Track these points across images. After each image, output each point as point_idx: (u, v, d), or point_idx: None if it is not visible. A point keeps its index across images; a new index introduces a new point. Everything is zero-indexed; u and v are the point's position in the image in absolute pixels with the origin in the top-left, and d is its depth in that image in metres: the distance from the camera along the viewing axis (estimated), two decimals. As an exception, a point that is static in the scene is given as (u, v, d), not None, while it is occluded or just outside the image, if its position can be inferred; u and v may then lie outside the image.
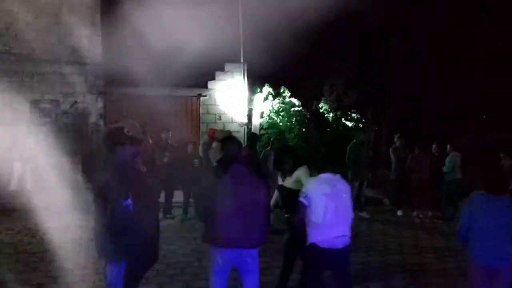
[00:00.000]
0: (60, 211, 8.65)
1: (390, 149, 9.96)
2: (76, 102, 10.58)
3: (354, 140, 9.45)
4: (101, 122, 10.76)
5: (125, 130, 3.71)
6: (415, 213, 9.31)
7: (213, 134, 9.12)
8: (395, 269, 6.04)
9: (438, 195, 9.46)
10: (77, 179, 9.82)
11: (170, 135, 8.78)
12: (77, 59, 10.58)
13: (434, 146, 9.60)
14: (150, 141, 6.62)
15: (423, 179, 9.13)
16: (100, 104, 10.79)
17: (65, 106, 10.49)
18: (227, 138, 4.28)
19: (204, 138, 9.54)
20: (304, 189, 4.09)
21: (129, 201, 3.69)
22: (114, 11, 11.54)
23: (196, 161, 8.50)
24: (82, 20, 10.63)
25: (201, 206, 3.80)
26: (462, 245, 4.13)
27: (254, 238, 3.72)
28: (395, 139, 9.96)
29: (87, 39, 10.69)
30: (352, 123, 12.87)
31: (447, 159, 9.38)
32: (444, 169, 9.28)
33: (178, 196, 8.58)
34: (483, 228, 3.88)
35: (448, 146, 9.51)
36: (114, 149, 3.69)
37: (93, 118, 10.72)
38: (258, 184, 3.77)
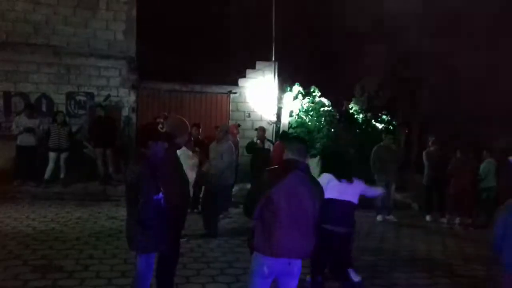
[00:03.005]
0: (92, 201, 8.91)
1: (424, 153, 9.73)
2: (109, 95, 10.83)
3: (381, 143, 9.28)
4: (133, 116, 10.98)
5: (159, 126, 3.80)
6: (444, 219, 9.11)
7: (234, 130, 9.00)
8: (421, 274, 5.93)
9: (473, 202, 9.21)
10: (109, 170, 10.09)
11: (200, 131, 8.88)
12: (112, 53, 10.84)
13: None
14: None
15: (461, 185, 8.89)
16: (132, 98, 11.01)
17: (99, 99, 10.76)
18: (294, 138, 3.92)
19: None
20: None
21: (160, 195, 3.78)
22: (150, 6, 11.73)
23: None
24: (118, 15, 10.90)
25: (253, 207, 3.43)
26: (496, 254, 4.02)
27: (306, 248, 3.47)
28: (430, 143, 9.68)
29: (123, 33, 10.94)
30: (382, 125, 12.63)
31: (482, 166, 9.14)
32: (479, 175, 9.06)
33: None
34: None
35: (484, 152, 9.25)
36: (148, 144, 3.78)
37: (125, 112, 10.95)
38: (314, 193, 3.49)
